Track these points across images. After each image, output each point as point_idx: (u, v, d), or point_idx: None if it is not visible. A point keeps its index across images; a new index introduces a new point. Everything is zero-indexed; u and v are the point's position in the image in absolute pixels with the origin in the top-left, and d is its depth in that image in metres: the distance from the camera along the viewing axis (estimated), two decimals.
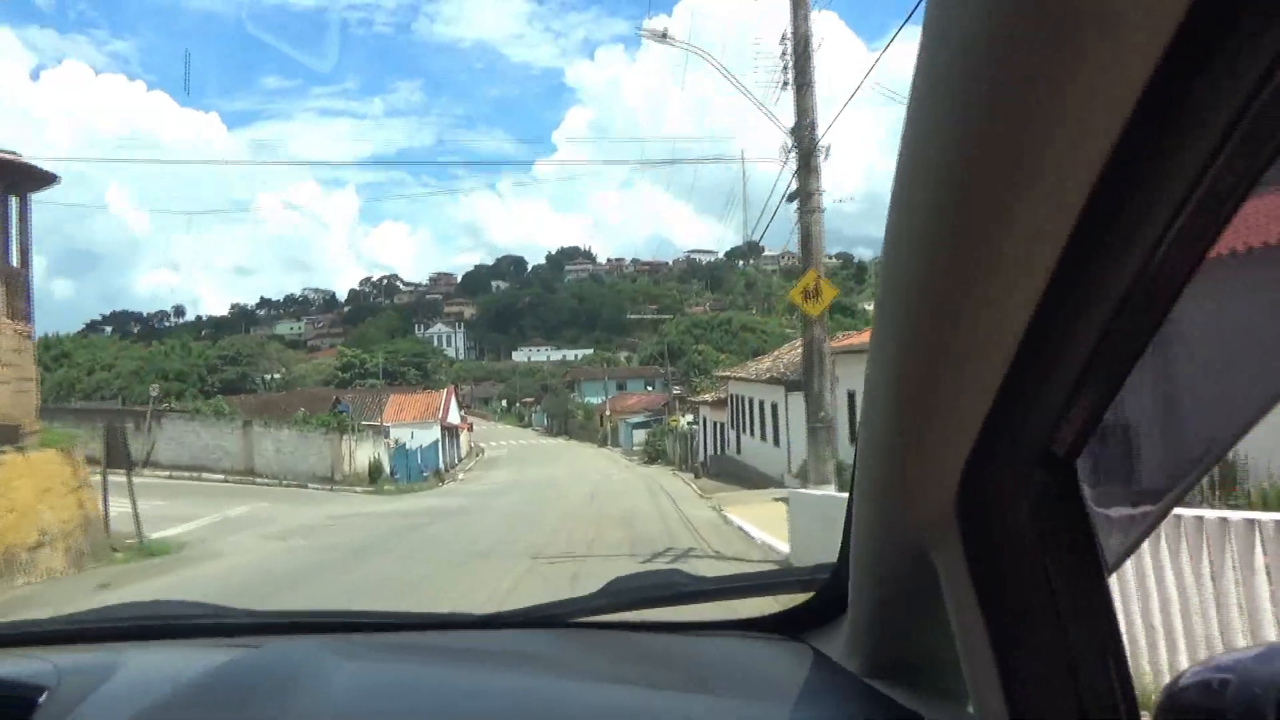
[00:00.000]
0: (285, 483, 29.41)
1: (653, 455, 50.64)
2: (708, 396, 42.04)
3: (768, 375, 29.41)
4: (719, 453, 37.37)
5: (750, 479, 27.14)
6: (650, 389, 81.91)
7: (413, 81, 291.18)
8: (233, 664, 1.04)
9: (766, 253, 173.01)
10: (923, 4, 0.44)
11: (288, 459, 30.64)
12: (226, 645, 1.20)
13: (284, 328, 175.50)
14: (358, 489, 29.96)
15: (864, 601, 0.93)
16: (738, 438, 33.97)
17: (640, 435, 61.00)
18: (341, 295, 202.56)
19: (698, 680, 1.06)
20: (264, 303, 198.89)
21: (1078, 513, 0.62)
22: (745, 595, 1.44)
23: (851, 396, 18.97)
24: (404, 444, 41.88)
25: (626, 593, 1.35)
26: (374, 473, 32.75)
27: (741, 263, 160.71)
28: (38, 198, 13.38)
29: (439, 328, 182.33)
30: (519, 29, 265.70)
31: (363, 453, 33.13)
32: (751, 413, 31.42)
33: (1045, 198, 0.42)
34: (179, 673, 1.00)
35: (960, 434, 0.59)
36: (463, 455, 61.40)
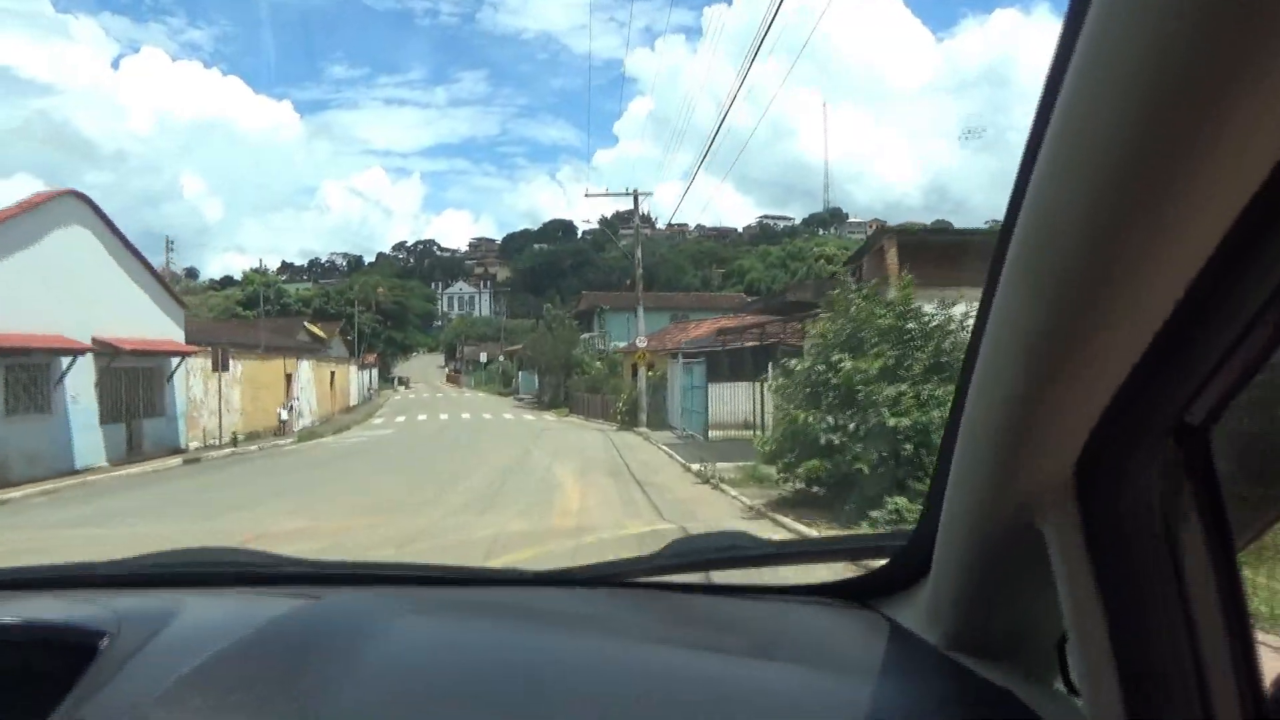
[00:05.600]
0: None
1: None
2: None
3: None
4: None
5: None
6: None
7: (477, 72, 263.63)
8: (293, 614, 1.00)
9: (852, 219, 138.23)
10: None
11: None
12: (285, 594, 1.15)
13: (293, 287, 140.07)
14: None
15: (951, 569, 0.83)
16: None
17: (735, 393, 17.40)
18: (370, 259, 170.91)
19: (762, 646, 0.98)
20: (285, 267, 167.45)
21: (1210, 486, 0.55)
22: (814, 560, 1.34)
23: None
24: None
25: (689, 554, 1.27)
26: None
27: (821, 230, 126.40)
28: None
29: (459, 287, 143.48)
30: (582, 19, 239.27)
31: None
32: None
33: (1224, 164, 0.39)
34: (239, 621, 0.95)
35: (1093, 395, 0.52)
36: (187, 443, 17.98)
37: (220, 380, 21.39)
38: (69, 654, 0.90)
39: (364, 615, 1.01)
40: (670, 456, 17.15)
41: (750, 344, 21.53)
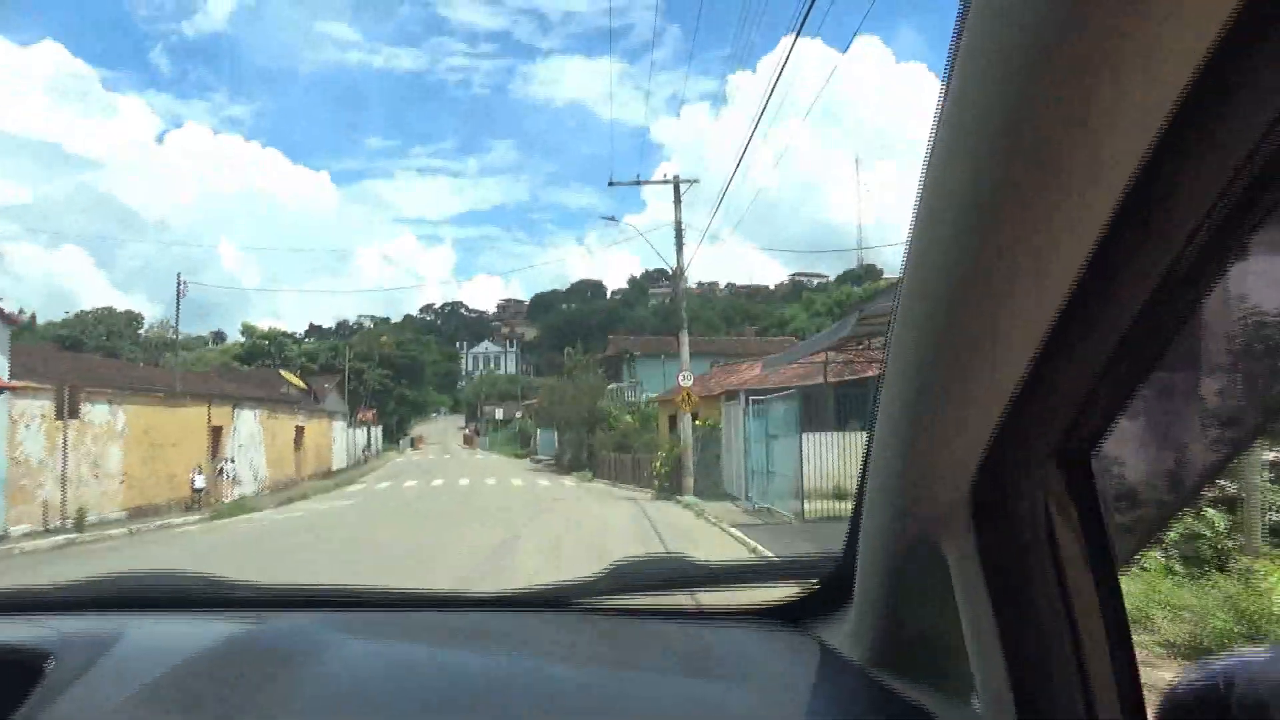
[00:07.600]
0: None
1: None
2: None
3: None
4: None
5: None
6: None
7: (507, 140, 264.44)
8: (236, 637, 1.01)
9: (887, 275, 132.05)
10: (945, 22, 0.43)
11: None
12: (231, 618, 1.15)
13: (313, 345, 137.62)
14: None
15: (870, 591, 0.88)
16: None
17: (819, 448, 10.01)
18: (397, 321, 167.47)
19: (700, 668, 1.03)
20: (312, 329, 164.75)
21: (1091, 509, 0.59)
22: (750, 582, 1.35)
23: None
24: None
25: (632, 577, 1.28)
26: None
27: (855, 285, 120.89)
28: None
29: (484, 346, 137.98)
30: (609, 89, 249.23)
31: None
32: None
33: (1076, 196, 0.40)
34: (185, 644, 0.97)
35: (978, 426, 0.55)
36: None
37: (66, 433, 14.53)
38: (14, 676, 0.87)
39: (309, 638, 1.02)
40: (755, 554, 9.88)
41: (839, 379, 14.41)
